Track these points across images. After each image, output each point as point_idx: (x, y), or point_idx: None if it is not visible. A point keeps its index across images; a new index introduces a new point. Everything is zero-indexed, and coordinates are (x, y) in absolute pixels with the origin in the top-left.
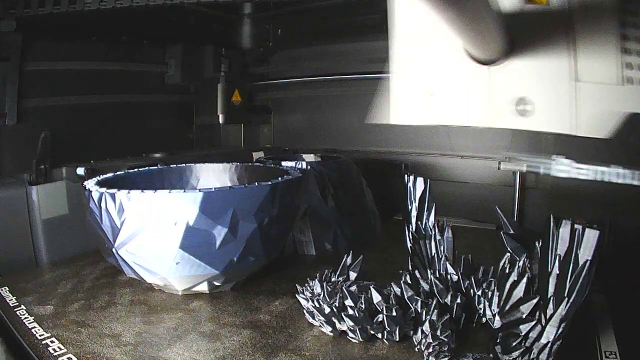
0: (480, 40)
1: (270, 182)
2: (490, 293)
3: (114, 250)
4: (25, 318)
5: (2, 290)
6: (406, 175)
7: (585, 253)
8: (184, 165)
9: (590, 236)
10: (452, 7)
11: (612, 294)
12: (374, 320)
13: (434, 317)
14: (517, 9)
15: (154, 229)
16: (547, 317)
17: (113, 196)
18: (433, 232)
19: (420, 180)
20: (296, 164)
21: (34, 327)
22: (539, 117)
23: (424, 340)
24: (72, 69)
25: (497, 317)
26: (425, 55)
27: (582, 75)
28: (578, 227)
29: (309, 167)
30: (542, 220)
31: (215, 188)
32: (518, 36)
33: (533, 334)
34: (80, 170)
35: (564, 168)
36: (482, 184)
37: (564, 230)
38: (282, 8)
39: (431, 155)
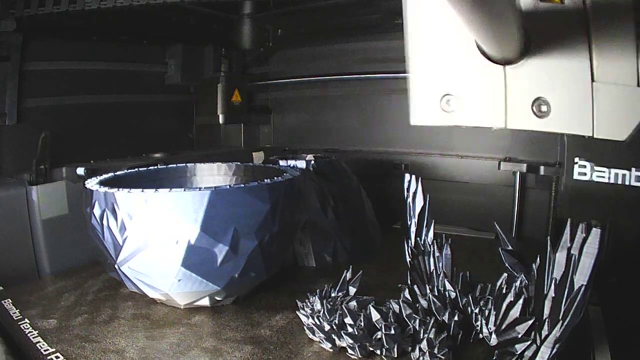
0: (498, 38)
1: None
2: (487, 311)
3: (116, 266)
4: (30, 332)
5: (5, 302)
6: (406, 190)
7: (581, 278)
8: (184, 165)
9: (594, 235)
10: (470, 1)
11: (608, 300)
12: (373, 338)
13: (432, 336)
14: (532, 7)
15: (156, 247)
16: (542, 337)
17: (115, 214)
18: (432, 249)
19: (419, 196)
20: (292, 165)
21: (39, 342)
22: (555, 118)
23: (421, 358)
24: (72, 69)
25: (493, 336)
26: (440, 55)
27: (599, 75)
28: (581, 226)
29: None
30: (542, 221)
31: (215, 187)
32: (534, 35)
33: (528, 353)
34: (80, 170)
35: (584, 171)
36: (482, 184)
37: (561, 255)
38: (282, 8)
39: (431, 155)
